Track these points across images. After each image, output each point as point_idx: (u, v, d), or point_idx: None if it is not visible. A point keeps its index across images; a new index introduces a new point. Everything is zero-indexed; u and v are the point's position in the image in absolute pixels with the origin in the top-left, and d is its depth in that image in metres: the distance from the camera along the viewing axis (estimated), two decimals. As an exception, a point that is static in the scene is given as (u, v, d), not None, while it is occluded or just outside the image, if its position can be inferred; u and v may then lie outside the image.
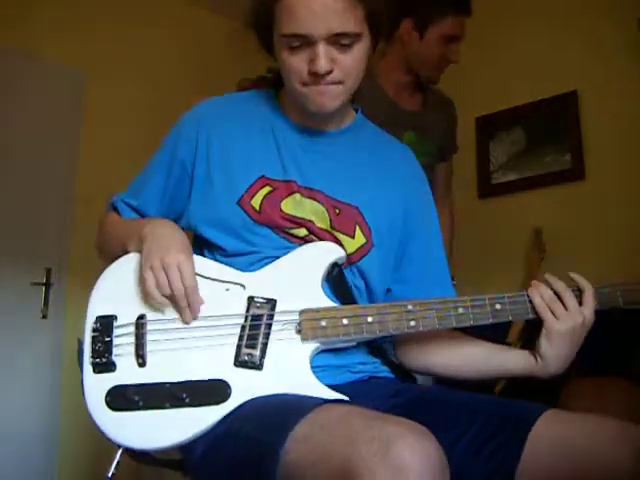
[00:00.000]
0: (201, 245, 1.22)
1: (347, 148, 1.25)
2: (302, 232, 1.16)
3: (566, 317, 1.07)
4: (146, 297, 1.10)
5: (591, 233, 2.65)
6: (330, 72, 1.10)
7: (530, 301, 1.09)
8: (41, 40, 2.90)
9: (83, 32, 3.06)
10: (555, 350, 1.09)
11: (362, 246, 1.18)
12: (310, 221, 1.17)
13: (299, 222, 1.16)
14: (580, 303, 1.08)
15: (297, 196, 1.17)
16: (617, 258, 2.47)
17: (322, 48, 1.08)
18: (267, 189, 1.17)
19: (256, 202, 1.16)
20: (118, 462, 1.07)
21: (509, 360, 1.16)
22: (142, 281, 1.09)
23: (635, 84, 2.67)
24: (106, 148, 3.03)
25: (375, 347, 1.21)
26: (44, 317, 2.87)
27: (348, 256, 1.17)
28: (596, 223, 2.65)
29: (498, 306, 1.08)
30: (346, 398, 0.99)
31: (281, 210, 1.16)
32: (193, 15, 3.47)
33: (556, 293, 1.09)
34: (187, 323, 1.08)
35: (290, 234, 1.16)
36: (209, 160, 1.20)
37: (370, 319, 1.06)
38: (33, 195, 2.87)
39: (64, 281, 2.92)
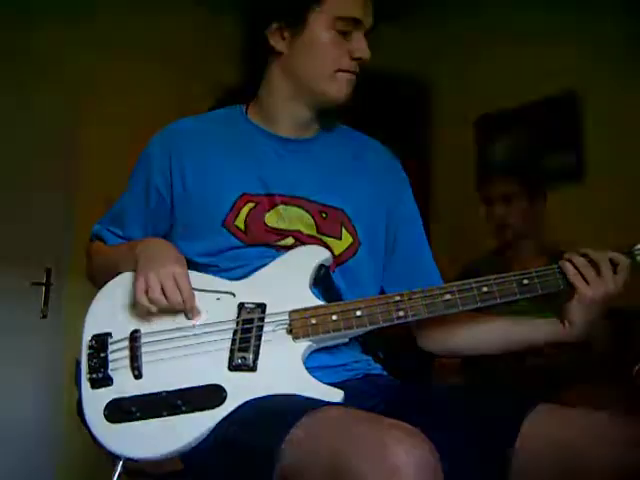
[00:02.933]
0: (191, 266, 1.21)
1: (324, 150, 1.26)
2: (289, 241, 1.17)
3: (598, 283, 1.07)
4: (139, 310, 1.10)
5: (591, 233, 2.64)
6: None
7: (560, 272, 1.09)
8: (41, 40, 2.90)
9: (83, 32, 3.06)
10: (585, 316, 1.09)
11: (350, 246, 1.20)
12: (297, 230, 1.18)
13: (285, 234, 1.17)
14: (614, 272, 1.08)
15: (280, 208, 1.18)
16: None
17: (364, 37, 1.16)
18: (250, 205, 1.18)
19: (240, 221, 1.17)
20: (120, 475, 1.07)
21: (531, 330, 1.17)
22: (133, 294, 1.09)
23: (635, 84, 2.66)
24: (106, 148, 3.02)
25: (366, 346, 1.22)
26: (44, 317, 2.87)
27: (337, 257, 1.18)
28: (596, 223, 2.64)
29: (526, 281, 1.09)
30: (339, 399, 1.00)
31: (265, 224, 1.17)
32: (193, 15, 3.46)
33: (592, 261, 1.08)
34: (185, 330, 1.08)
35: (278, 245, 1.17)
36: (185, 186, 1.21)
37: (359, 313, 1.08)
38: (33, 195, 2.87)
39: (64, 281, 2.91)
